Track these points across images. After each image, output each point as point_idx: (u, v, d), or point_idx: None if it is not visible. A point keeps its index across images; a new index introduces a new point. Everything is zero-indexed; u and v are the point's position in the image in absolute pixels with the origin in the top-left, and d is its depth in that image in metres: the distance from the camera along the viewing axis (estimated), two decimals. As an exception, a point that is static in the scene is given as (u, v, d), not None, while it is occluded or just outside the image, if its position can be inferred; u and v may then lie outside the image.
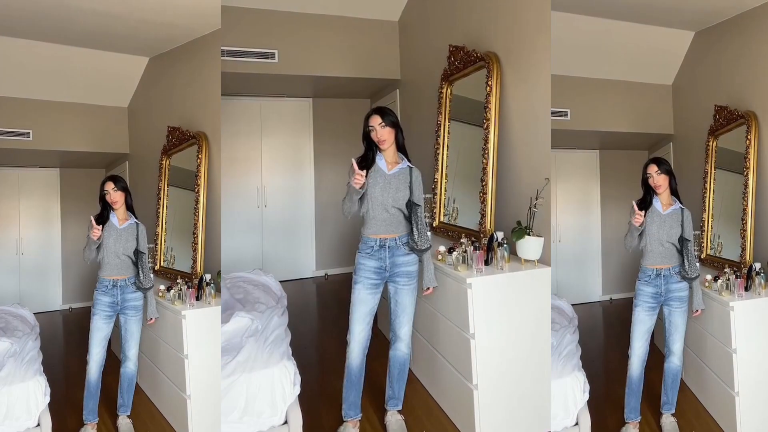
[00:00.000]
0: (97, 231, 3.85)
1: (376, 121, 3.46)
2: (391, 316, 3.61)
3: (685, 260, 3.82)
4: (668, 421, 4.01)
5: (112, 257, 3.95)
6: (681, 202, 3.89)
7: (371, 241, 3.50)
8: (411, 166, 3.54)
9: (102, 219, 3.95)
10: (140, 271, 3.99)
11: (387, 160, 3.51)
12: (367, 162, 3.48)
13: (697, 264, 3.94)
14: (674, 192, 3.87)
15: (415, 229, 3.48)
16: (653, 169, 3.84)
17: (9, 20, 4.29)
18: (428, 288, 3.60)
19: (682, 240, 3.82)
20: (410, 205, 3.49)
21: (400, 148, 3.54)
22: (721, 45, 4.66)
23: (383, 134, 3.46)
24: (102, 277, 3.97)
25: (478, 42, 4.27)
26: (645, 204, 3.87)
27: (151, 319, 4.07)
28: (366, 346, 3.55)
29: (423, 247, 3.49)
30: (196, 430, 3.93)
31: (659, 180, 3.83)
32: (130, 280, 3.99)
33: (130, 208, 4.05)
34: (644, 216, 3.81)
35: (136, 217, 4.07)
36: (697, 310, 3.91)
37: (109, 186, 3.97)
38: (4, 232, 5.31)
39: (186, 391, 3.92)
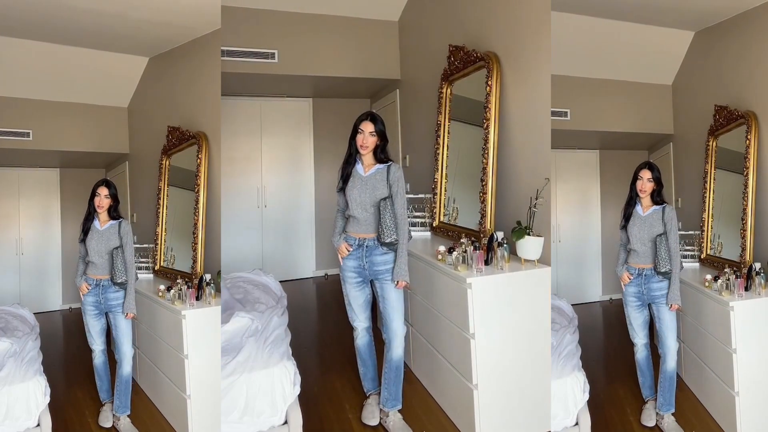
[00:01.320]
0: (86, 289, 4.05)
1: (367, 127, 3.54)
2: (382, 315, 3.65)
3: (658, 254, 3.89)
4: (669, 420, 4.01)
5: (96, 257, 4.01)
6: (664, 203, 3.94)
7: (351, 239, 3.59)
8: (389, 164, 3.57)
9: (89, 221, 4.06)
10: (114, 266, 4.02)
11: (364, 164, 3.58)
12: (349, 166, 3.59)
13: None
14: (655, 200, 3.93)
15: (381, 221, 3.54)
16: (646, 174, 3.92)
17: (9, 20, 4.29)
18: (397, 281, 3.56)
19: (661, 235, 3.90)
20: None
21: (378, 156, 3.56)
22: (721, 45, 4.66)
23: (368, 141, 3.53)
24: (87, 276, 4.04)
25: (478, 42, 4.27)
26: (631, 206, 3.98)
27: (128, 313, 4.04)
28: (369, 327, 3.73)
29: (385, 240, 3.53)
30: (196, 430, 3.93)
31: (646, 186, 3.91)
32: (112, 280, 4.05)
33: (113, 215, 4.07)
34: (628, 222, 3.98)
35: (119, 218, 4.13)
36: (671, 305, 3.90)
37: (102, 191, 4.04)
38: (4, 232, 5.31)
39: (186, 391, 3.92)
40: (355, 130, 3.55)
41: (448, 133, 4.54)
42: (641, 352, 4.09)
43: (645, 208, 3.94)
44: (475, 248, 3.79)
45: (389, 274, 3.56)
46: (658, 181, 3.92)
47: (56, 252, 5.45)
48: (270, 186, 6.47)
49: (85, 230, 4.05)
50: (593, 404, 3.92)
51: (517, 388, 3.64)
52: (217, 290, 4.16)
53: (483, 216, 4.04)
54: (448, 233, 4.37)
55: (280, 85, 5.98)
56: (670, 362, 3.95)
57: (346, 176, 3.59)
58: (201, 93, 4.57)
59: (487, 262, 3.79)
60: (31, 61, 4.76)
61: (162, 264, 4.73)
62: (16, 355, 3.93)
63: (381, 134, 3.55)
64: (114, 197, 4.07)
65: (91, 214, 4.06)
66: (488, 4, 4.23)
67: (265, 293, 4.28)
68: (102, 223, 4.04)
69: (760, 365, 3.88)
